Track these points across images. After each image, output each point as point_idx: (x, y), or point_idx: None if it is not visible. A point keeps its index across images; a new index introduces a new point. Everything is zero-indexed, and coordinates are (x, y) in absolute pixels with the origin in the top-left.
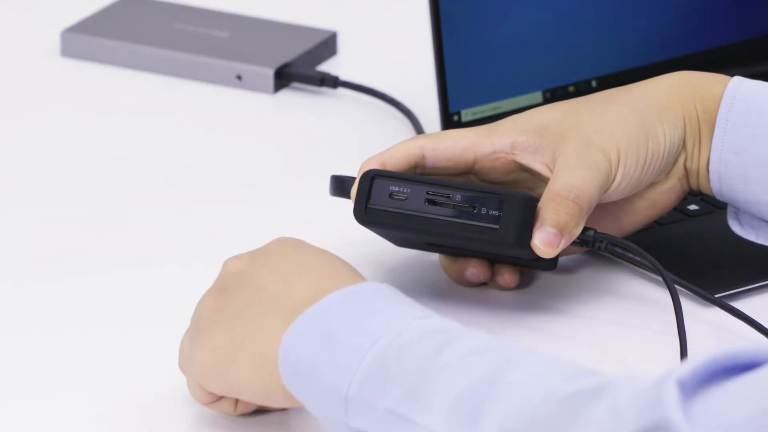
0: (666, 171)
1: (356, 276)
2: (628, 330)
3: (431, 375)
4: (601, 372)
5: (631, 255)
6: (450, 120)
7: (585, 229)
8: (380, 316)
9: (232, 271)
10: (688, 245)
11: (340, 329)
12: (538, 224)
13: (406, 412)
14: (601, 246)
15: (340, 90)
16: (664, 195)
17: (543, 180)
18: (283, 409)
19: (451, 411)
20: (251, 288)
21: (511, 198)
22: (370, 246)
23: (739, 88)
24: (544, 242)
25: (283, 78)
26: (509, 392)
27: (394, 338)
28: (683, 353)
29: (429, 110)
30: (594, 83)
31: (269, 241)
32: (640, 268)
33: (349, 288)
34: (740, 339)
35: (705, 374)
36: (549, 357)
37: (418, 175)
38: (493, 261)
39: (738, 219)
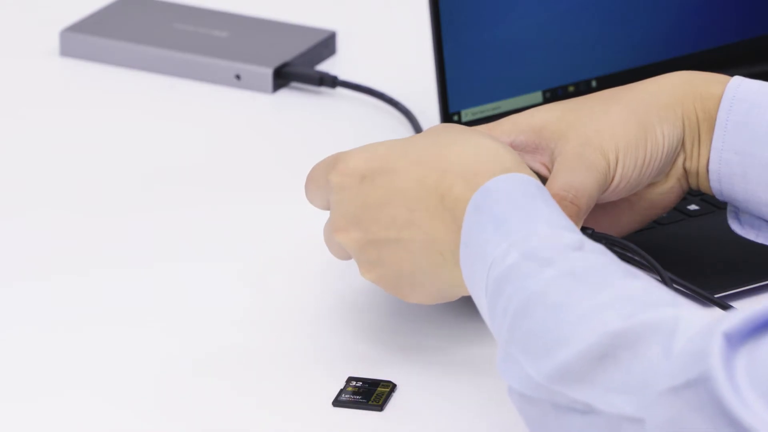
0: (665, 171)
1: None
2: None
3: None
4: (673, 300)
5: (629, 255)
6: (450, 120)
7: (583, 229)
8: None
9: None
10: (688, 245)
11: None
12: None
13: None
14: None
15: (339, 90)
16: (664, 195)
17: (542, 179)
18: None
19: (526, 345)
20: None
21: None
22: None
23: (739, 87)
24: None
25: (282, 77)
26: (573, 328)
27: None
28: None
29: (429, 110)
30: (594, 83)
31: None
32: (641, 268)
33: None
34: None
35: (753, 326)
36: (623, 284)
37: None
38: None
39: (738, 218)
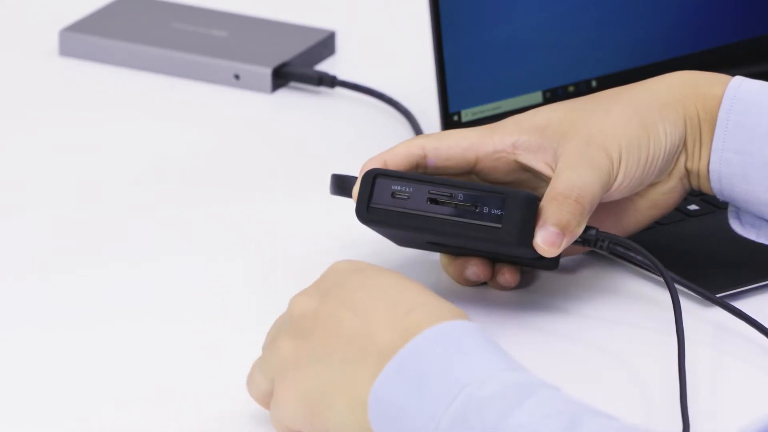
0: (667, 171)
1: (428, 302)
2: (628, 330)
3: None
4: None
5: (632, 255)
6: (450, 120)
7: (587, 229)
8: (467, 360)
9: (305, 311)
10: (688, 245)
11: (430, 375)
12: (540, 223)
13: None
14: (603, 245)
15: (338, 89)
16: (666, 195)
17: (545, 180)
18: None
19: None
20: (330, 330)
21: (514, 197)
22: (371, 245)
23: (740, 87)
24: (546, 241)
25: (281, 77)
26: None
27: (478, 388)
28: (681, 353)
29: (429, 110)
30: (594, 83)
31: (327, 268)
32: (641, 267)
33: (435, 329)
34: (741, 339)
35: None
36: (613, 422)
37: (420, 174)
38: (494, 260)
39: (738, 218)
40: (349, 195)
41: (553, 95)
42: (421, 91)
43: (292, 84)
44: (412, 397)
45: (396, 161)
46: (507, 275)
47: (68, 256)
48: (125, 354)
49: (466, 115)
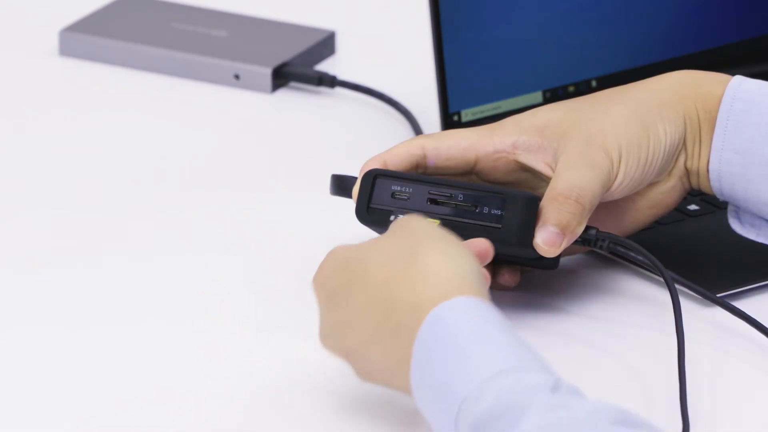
0: (667, 170)
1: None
2: (628, 329)
3: None
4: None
5: (632, 255)
6: (450, 120)
7: (587, 228)
8: (464, 363)
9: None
10: (688, 245)
11: (436, 377)
12: (540, 224)
13: None
14: (603, 245)
15: (338, 89)
16: (666, 194)
17: (545, 180)
18: None
19: None
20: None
21: (514, 197)
22: None
23: (740, 87)
24: (546, 242)
25: (281, 77)
26: None
27: (474, 403)
28: (681, 353)
29: (429, 110)
30: (594, 83)
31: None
32: (641, 267)
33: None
34: (741, 339)
35: None
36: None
37: (420, 174)
38: (494, 260)
39: (738, 217)
40: (349, 195)
41: (553, 95)
42: (421, 91)
43: (292, 84)
44: (430, 398)
45: (396, 161)
46: (507, 275)
47: (68, 256)
48: (125, 354)
49: (466, 115)
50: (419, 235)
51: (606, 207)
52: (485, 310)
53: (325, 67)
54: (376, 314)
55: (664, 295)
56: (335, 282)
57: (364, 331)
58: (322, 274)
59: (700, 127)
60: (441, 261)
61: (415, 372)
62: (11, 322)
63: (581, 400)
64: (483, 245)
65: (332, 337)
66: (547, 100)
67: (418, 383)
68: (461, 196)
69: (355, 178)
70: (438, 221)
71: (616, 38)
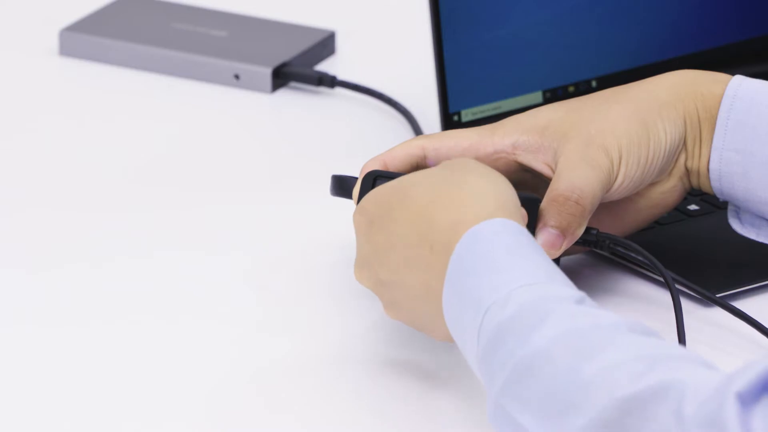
0: (667, 170)
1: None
2: None
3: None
4: (681, 358)
5: (633, 255)
6: (450, 120)
7: (588, 229)
8: (489, 277)
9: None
10: (688, 245)
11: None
12: (540, 225)
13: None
14: (604, 246)
15: (338, 90)
16: (666, 194)
17: (545, 180)
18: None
19: (527, 404)
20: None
21: None
22: None
23: (740, 86)
24: (547, 243)
25: (281, 77)
26: (583, 392)
27: (498, 311)
28: None
29: (428, 110)
30: (594, 83)
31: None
32: (642, 268)
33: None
34: (741, 339)
35: (764, 382)
36: (629, 341)
37: None
38: None
39: (738, 217)
40: (349, 196)
41: (553, 95)
42: (421, 91)
43: (292, 84)
44: (458, 310)
45: (396, 162)
46: None
47: (68, 255)
48: (124, 352)
49: (466, 115)
50: (465, 166)
51: (606, 207)
52: (522, 234)
53: (325, 67)
54: (416, 236)
55: (664, 295)
56: (377, 210)
57: (401, 254)
58: (364, 203)
59: (701, 126)
60: (485, 186)
61: (448, 286)
62: (11, 320)
63: (605, 312)
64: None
65: (367, 266)
66: (547, 100)
67: (449, 298)
68: None
69: (356, 179)
70: None
71: (616, 38)
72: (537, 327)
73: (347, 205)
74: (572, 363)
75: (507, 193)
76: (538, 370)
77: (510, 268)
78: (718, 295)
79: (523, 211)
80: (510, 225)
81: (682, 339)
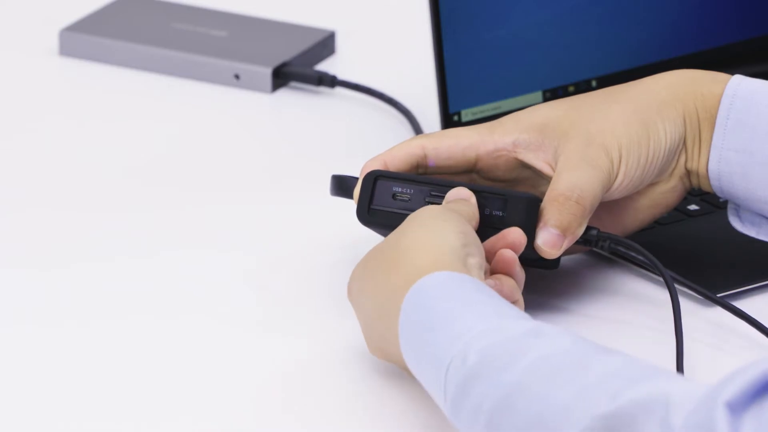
0: (667, 170)
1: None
2: (628, 329)
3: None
4: (656, 373)
5: (633, 255)
6: (450, 120)
7: (588, 229)
8: (439, 333)
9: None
10: (688, 245)
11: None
12: (541, 225)
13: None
14: (604, 245)
15: (338, 89)
16: (666, 194)
17: (545, 178)
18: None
19: None
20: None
21: (515, 199)
22: (371, 246)
23: (740, 86)
24: (547, 243)
25: (281, 77)
26: (562, 416)
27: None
28: (680, 353)
29: (429, 110)
30: (594, 83)
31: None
32: (642, 267)
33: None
34: (741, 339)
35: (753, 391)
36: (598, 360)
37: (421, 175)
38: None
39: (738, 215)
40: (349, 196)
41: (553, 95)
42: (421, 91)
43: (292, 84)
44: (421, 368)
45: (396, 162)
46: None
47: (68, 255)
48: (124, 352)
49: (466, 115)
50: (410, 220)
51: (606, 207)
52: (460, 280)
53: (325, 67)
54: (379, 300)
55: (664, 295)
56: (356, 285)
57: (373, 318)
58: (349, 283)
59: (700, 126)
60: (421, 241)
61: (404, 346)
62: (12, 320)
63: (565, 334)
64: (515, 234)
65: (364, 335)
66: (547, 100)
67: (409, 356)
68: None
69: (356, 179)
70: None
71: (616, 38)
72: (504, 368)
73: (347, 205)
74: (547, 390)
75: (442, 241)
76: (515, 403)
77: (459, 319)
78: (718, 295)
79: (476, 245)
80: (445, 276)
81: (681, 339)
